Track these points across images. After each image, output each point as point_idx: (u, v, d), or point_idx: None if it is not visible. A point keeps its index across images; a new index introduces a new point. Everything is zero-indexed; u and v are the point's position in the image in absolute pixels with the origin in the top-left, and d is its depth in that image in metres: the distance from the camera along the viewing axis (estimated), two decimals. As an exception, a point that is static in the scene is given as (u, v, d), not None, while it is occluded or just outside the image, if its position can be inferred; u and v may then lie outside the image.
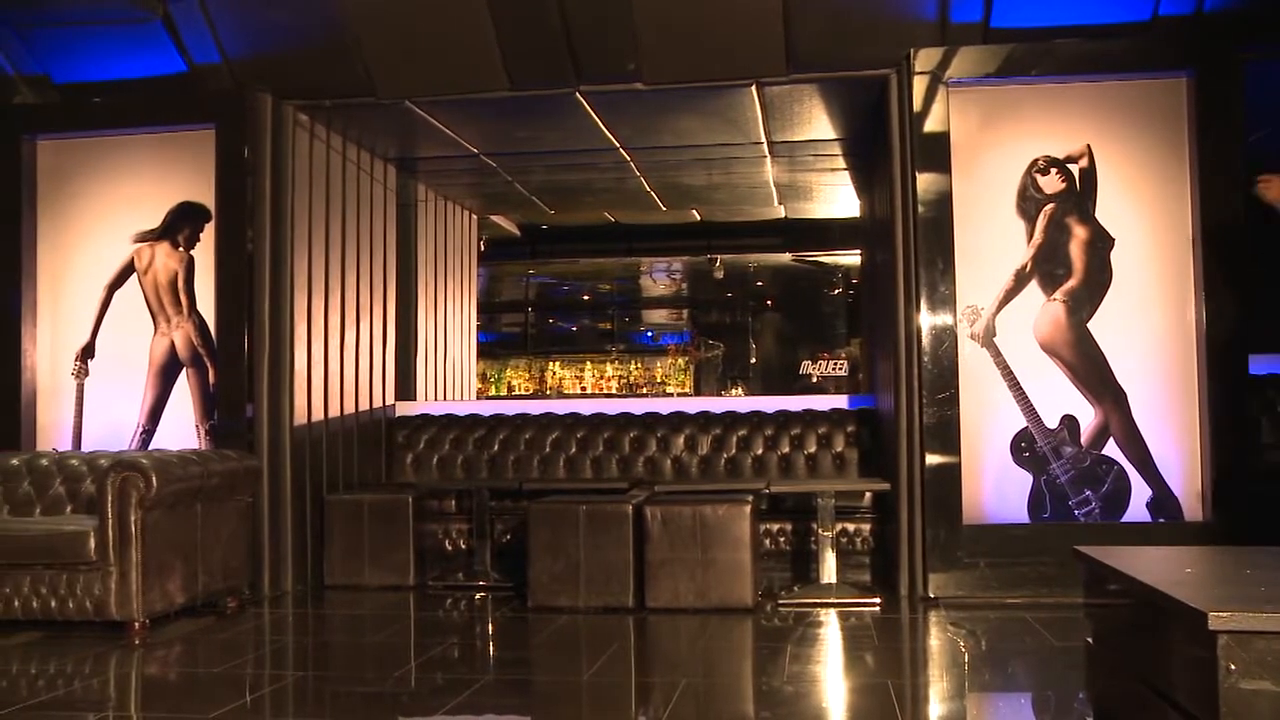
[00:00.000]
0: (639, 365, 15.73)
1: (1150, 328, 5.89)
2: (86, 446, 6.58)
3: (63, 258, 6.74)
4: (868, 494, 6.94)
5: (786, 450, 7.31)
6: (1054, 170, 5.96)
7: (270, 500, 6.38)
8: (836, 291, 15.08)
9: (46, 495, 5.91)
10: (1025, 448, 5.90)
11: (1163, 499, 5.82)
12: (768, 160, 8.19)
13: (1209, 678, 2.51)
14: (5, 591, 5.21)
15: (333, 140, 7.05)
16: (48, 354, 6.72)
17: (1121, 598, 3.24)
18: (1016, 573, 5.75)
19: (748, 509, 5.71)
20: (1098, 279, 5.91)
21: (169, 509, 5.30)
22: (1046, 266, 5.95)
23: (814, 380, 13.21)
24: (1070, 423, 5.88)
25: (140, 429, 6.58)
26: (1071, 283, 5.93)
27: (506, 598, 6.16)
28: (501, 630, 5.58)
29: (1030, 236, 5.96)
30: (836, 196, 9.44)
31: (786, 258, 13.45)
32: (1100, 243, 5.92)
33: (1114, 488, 5.84)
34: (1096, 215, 5.93)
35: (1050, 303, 5.94)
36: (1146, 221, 5.92)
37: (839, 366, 12.88)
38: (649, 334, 18.04)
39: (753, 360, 15.56)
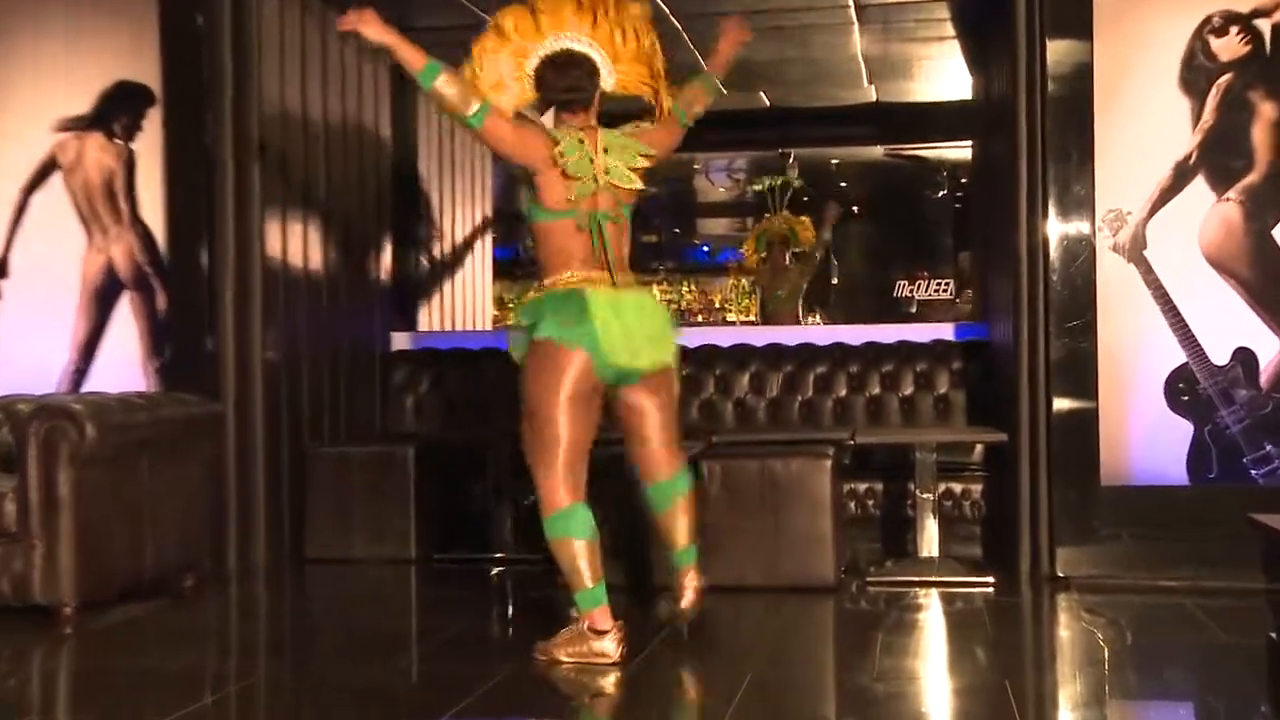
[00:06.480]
0: (692, 287, 15.74)
1: (1354, 236, 5.70)
2: (1, 389, 6.52)
3: (-37, 152, 6.69)
4: (979, 447, 6.98)
5: (876, 392, 7.27)
6: (1234, 29, 5.70)
7: (237, 454, 6.38)
8: (941, 194, 15.00)
9: (-48, 451, 5.89)
10: (1184, 389, 5.76)
11: (1368, 456, 5.68)
12: (855, 28, 8.08)
13: None
14: (-102, 570, 5.19)
15: (310, 3, 6.97)
16: (-52, 273, 6.70)
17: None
18: (1172, 548, 5.64)
19: (828, 464, 5.69)
20: (1287, 173, 5.73)
21: (108, 465, 5.26)
22: (1218, 157, 5.73)
23: (913, 308, 13.20)
24: (1246, 357, 5.71)
25: (71, 367, 6.58)
26: (1252, 178, 5.71)
27: (530, 574, 6.18)
28: (524, 613, 5.64)
29: (1197, 118, 5.74)
30: (942, 73, 9.35)
31: (878, 152, 13.43)
32: (1292, 126, 5.72)
33: (1303, 441, 5.70)
34: (1290, 89, 5.72)
35: (1222, 204, 5.74)
36: (1356, 97, 5.69)
37: (944, 288, 12.87)
38: (704, 249, 17.96)
39: (834, 281, 15.51)
